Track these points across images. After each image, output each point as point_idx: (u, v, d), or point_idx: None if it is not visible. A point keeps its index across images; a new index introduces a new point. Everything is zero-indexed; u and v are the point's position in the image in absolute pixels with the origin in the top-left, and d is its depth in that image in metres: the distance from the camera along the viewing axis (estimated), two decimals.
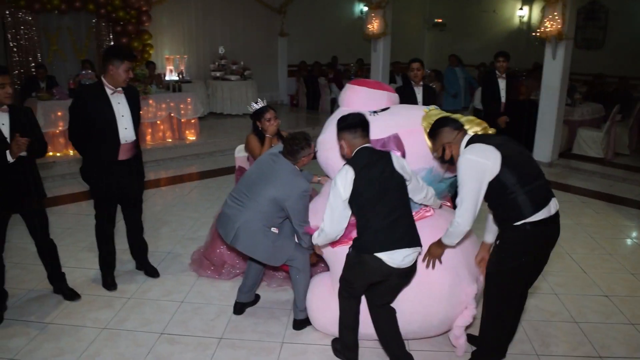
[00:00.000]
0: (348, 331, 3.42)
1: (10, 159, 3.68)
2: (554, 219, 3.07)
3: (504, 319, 3.24)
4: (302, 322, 3.90)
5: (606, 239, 5.74)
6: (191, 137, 9.88)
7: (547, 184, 3.11)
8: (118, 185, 4.29)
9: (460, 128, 3.13)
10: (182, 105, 9.69)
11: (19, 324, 3.93)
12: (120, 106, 4.20)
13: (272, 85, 14.38)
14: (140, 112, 4.45)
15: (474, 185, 2.95)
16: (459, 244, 3.27)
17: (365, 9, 11.43)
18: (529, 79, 10.76)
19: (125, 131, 4.22)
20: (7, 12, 9.79)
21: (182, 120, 9.77)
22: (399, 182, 3.14)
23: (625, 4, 12.48)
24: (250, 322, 4.01)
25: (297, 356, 3.61)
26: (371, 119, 3.38)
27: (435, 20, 16.76)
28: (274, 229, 3.69)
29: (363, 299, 3.40)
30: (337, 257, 3.54)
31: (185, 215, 6.29)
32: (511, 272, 3.09)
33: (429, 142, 3.50)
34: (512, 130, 6.20)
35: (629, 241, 5.77)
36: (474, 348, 3.56)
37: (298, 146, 3.60)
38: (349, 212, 3.17)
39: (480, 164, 2.92)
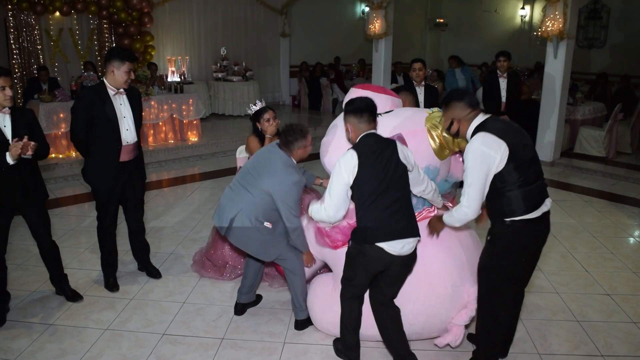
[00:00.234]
0: (350, 332, 3.42)
1: (10, 161, 3.68)
2: (544, 217, 3.08)
3: (498, 315, 3.22)
4: (303, 322, 3.90)
5: (608, 237, 5.73)
6: (193, 138, 9.89)
7: (545, 185, 3.11)
8: (120, 186, 4.30)
9: (475, 107, 3.08)
10: (184, 107, 9.71)
11: (21, 325, 3.94)
12: (122, 107, 4.21)
13: (273, 86, 14.40)
14: (142, 113, 4.45)
15: (480, 176, 2.95)
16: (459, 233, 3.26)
17: (367, 9, 11.42)
18: (531, 79, 10.78)
19: (127, 132, 4.23)
20: (10, 13, 9.82)
21: (184, 121, 9.79)
22: (403, 173, 3.11)
23: (627, 3, 12.48)
24: (252, 323, 4.02)
25: (298, 356, 3.62)
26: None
27: (437, 20, 16.77)
28: (267, 224, 3.65)
29: (365, 300, 3.40)
30: (338, 258, 3.53)
31: (187, 216, 6.30)
32: (502, 267, 3.11)
33: (432, 143, 3.52)
34: None
35: (631, 240, 5.76)
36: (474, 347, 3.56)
37: (292, 137, 3.59)
38: (349, 198, 3.16)
39: (488, 157, 2.92)
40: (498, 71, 7.02)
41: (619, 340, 3.82)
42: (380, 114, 3.70)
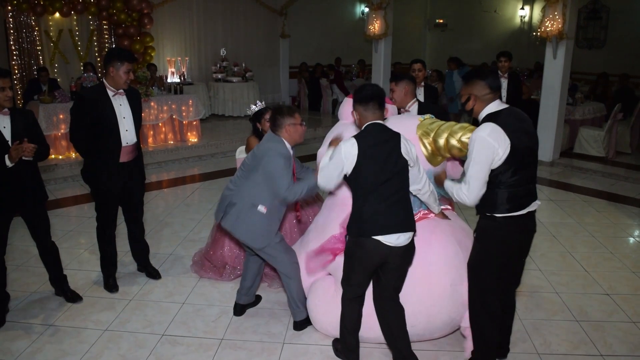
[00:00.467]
0: (350, 334, 3.42)
1: (9, 163, 3.69)
2: (529, 215, 3.10)
3: (490, 311, 3.21)
4: (302, 323, 3.90)
5: (608, 237, 5.73)
6: (193, 139, 9.90)
7: (534, 190, 3.13)
8: (119, 187, 4.30)
9: (495, 90, 3.07)
10: (183, 107, 9.72)
11: (21, 326, 3.94)
12: (121, 108, 4.21)
13: (273, 87, 14.41)
14: (142, 114, 4.45)
15: (483, 166, 2.97)
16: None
17: (367, 9, 11.42)
18: (531, 79, 10.78)
19: (127, 133, 4.24)
20: (10, 14, 9.82)
21: (184, 122, 9.80)
22: (403, 167, 3.10)
23: (627, 3, 12.47)
24: (252, 323, 4.02)
25: (298, 357, 3.62)
26: None
27: (437, 20, 16.78)
28: (261, 207, 3.62)
29: (366, 302, 3.40)
30: (339, 265, 3.56)
31: (187, 217, 6.31)
32: (489, 263, 3.14)
33: (424, 150, 3.54)
34: None
35: (630, 240, 5.76)
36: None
37: (279, 115, 3.63)
38: (341, 178, 3.20)
39: (493, 148, 2.92)
40: (499, 71, 7.03)
41: (619, 340, 3.82)
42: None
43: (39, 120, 7.74)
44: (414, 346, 3.43)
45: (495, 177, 2.99)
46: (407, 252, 3.17)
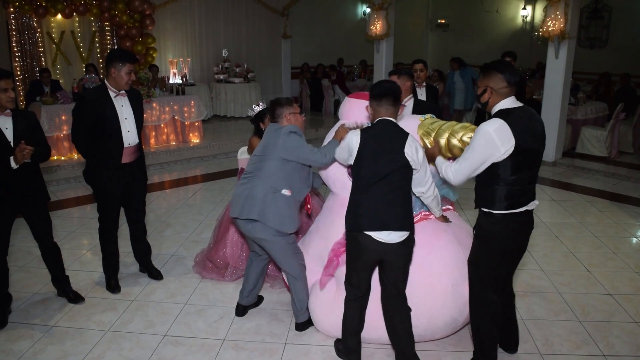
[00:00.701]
0: (351, 335, 3.42)
1: (14, 165, 3.70)
2: (526, 213, 3.12)
3: (490, 309, 3.22)
4: (304, 324, 3.90)
5: (610, 237, 5.72)
6: (195, 139, 9.91)
7: (533, 190, 3.14)
8: (121, 188, 4.31)
9: (512, 85, 3.05)
10: (185, 108, 9.73)
11: (23, 327, 3.95)
12: (123, 109, 4.21)
13: (275, 88, 14.40)
14: (145, 115, 4.45)
15: (479, 157, 2.99)
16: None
17: (368, 10, 11.41)
18: (533, 78, 10.77)
19: (129, 134, 4.24)
20: (12, 16, 9.84)
21: (186, 123, 9.81)
22: (402, 167, 3.09)
23: (629, 2, 12.45)
24: (254, 324, 4.02)
25: (300, 357, 3.62)
26: None
27: (439, 21, 16.76)
28: (285, 191, 3.60)
29: (369, 303, 3.40)
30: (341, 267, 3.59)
31: (189, 217, 6.31)
32: (488, 259, 3.15)
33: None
34: None
35: (633, 240, 5.74)
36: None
37: (277, 106, 3.73)
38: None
39: (494, 145, 2.93)
40: None
41: (621, 340, 3.81)
42: (370, 123, 3.73)
43: (41, 122, 7.76)
44: (416, 347, 3.43)
45: (495, 173, 3.00)
46: (402, 250, 3.15)
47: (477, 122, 9.30)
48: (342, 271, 3.59)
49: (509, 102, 3.05)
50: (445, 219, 3.69)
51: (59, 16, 10.35)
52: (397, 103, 3.20)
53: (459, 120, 10.49)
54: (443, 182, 3.85)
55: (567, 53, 8.23)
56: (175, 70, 11.30)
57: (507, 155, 2.93)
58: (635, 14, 12.43)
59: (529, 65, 13.14)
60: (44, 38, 10.44)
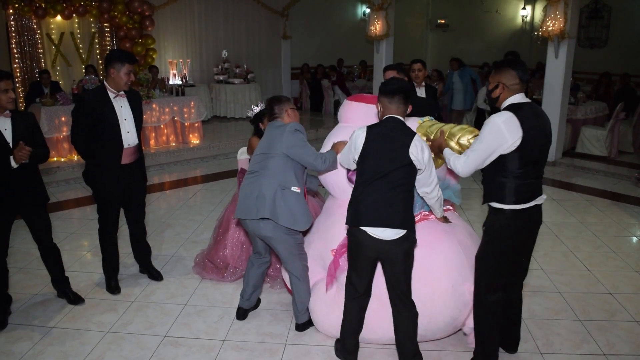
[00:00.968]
0: (349, 335, 3.43)
1: (14, 164, 3.71)
2: (535, 208, 3.15)
3: (492, 308, 3.23)
4: (304, 325, 3.90)
5: (610, 237, 5.72)
6: (195, 140, 9.91)
7: (540, 185, 3.16)
8: (121, 189, 4.30)
9: (524, 82, 3.10)
10: (185, 109, 9.73)
11: (23, 328, 3.94)
12: (122, 110, 4.21)
13: (275, 88, 14.39)
14: (144, 116, 4.45)
15: (487, 148, 3.02)
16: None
17: (368, 10, 11.41)
18: (533, 78, 10.76)
19: (128, 135, 4.24)
20: (11, 17, 9.84)
21: (186, 124, 9.81)
22: (405, 166, 3.08)
23: (628, 2, 12.46)
24: (254, 324, 4.01)
25: (300, 357, 3.61)
26: None
27: (438, 21, 16.76)
28: (294, 188, 3.58)
29: (369, 305, 3.39)
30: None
31: (189, 218, 6.31)
32: (495, 255, 3.17)
33: None
34: None
35: (633, 239, 5.74)
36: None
37: (276, 104, 3.76)
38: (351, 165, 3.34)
39: (502, 136, 2.96)
40: None
41: (622, 340, 3.81)
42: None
43: (41, 123, 7.76)
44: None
45: (503, 166, 3.03)
46: (399, 248, 3.12)
47: (477, 122, 9.32)
48: (343, 272, 3.60)
49: (519, 98, 3.10)
50: (445, 220, 3.69)
51: (59, 17, 10.36)
52: (407, 101, 3.21)
53: (459, 120, 10.51)
54: (446, 187, 3.86)
55: (567, 53, 8.23)
56: (175, 71, 11.30)
57: (515, 148, 2.96)
58: (634, 14, 12.44)
59: (529, 65, 13.10)
60: (44, 39, 10.44)
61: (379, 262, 3.28)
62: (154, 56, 11.22)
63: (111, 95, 4.16)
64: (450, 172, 3.83)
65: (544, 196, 3.17)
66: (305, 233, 3.92)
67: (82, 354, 3.64)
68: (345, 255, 3.54)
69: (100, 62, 10.94)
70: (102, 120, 4.09)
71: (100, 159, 4.19)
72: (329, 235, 3.84)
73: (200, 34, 12.77)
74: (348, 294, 3.36)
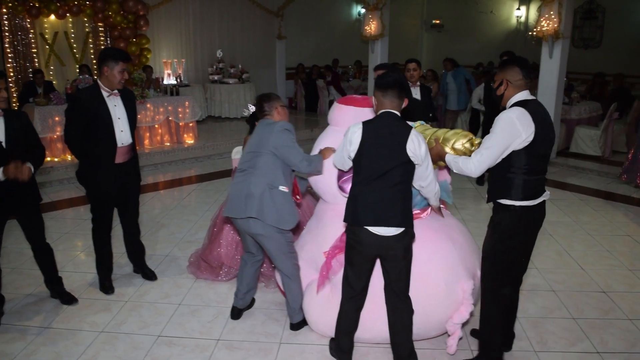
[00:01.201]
0: (344, 335, 3.42)
1: (1, 176, 3.67)
2: (541, 204, 3.17)
3: (501, 303, 3.25)
4: (298, 324, 3.89)
5: (604, 235, 5.74)
6: (189, 140, 9.89)
7: (545, 180, 3.19)
8: (115, 188, 4.29)
9: (528, 79, 3.12)
10: (180, 109, 9.71)
11: (16, 329, 3.92)
12: (116, 109, 4.19)
13: (270, 88, 14.32)
14: (139, 116, 4.43)
15: (502, 143, 3.00)
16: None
17: (363, 10, 11.43)
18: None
19: (122, 134, 4.22)
20: (5, 17, 9.80)
21: (180, 124, 9.79)
22: (403, 163, 3.06)
23: (622, 2, 12.51)
24: (248, 324, 4.01)
25: (295, 356, 3.61)
26: None
27: (433, 21, 16.79)
28: (282, 187, 3.59)
29: (365, 305, 3.39)
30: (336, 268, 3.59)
31: (183, 218, 6.29)
32: (504, 252, 3.18)
33: None
34: None
35: (626, 238, 5.76)
36: (473, 347, 3.56)
37: (266, 101, 3.78)
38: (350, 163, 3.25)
39: (517, 130, 2.96)
40: None
41: (615, 337, 3.82)
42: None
43: (35, 123, 7.72)
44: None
45: (509, 162, 3.04)
46: (400, 244, 3.12)
47: (472, 122, 9.32)
48: (336, 274, 3.61)
49: (524, 95, 3.12)
50: (439, 210, 3.69)
51: (53, 17, 10.30)
52: (402, 95, 3.15)
53: (454, 120, 10.50)
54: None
55: (561, 53, 8.26)
56: (169, 71, 11.29)
57: (528, 143, 2.97)
58: (628, 15, 12.49)
59: None
60: (37, 39, 10.39)
61: (377, 260, 3.27)
62: (148, 56, 11.19)
63: (105, 94, 4.14)
64: (441, 170, 3.82)
65: (548, 192, 3.19)
66: (294, 233, 3.91)
67: (76, 354, 3.62)
68: (337, 257, 3.55)
69: (94, 61, 10.90)
70: (96, 119, 4.07)
71: (94, 158, 4.17)
72: (321, 238, 3.83)
73: (195, 34, 12.75)
74: (344, 294, 3.34)
